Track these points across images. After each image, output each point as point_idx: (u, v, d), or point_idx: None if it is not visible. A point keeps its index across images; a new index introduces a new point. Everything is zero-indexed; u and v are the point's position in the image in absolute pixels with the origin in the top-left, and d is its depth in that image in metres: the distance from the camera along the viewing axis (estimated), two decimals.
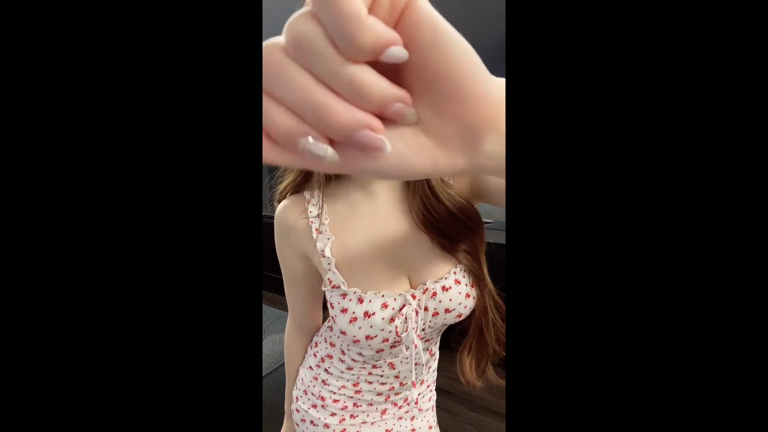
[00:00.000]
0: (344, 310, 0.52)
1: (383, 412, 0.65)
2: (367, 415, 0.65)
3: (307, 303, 0.65)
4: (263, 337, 2.37)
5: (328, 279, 0.53)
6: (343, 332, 0.53)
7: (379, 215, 0.54)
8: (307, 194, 0.57)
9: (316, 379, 0.66)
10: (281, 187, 0.59)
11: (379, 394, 0.64)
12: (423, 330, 0.55)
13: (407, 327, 0.52)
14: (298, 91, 0.15)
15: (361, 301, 0.52)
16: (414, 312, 0.52)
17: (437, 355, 0.67)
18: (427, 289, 0.53)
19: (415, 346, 0.51)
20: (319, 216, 0.54)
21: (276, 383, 1.96)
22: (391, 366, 0.60)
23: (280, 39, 0.15)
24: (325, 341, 0.66)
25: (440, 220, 0.51)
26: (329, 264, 0.52)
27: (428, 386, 0.68)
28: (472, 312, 0.56)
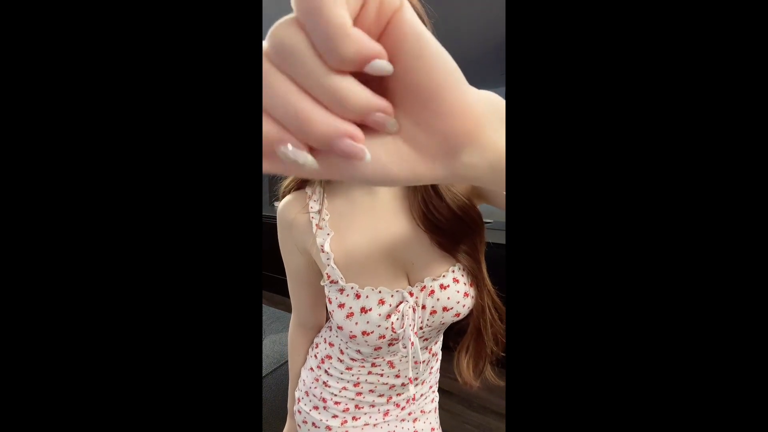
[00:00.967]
0: (341, 305, 0.53)
1: (386, 413, 0.65)
2: (370, 417, 0.65)
3: (309, 299, 0.66)
4: (263, 337, 2.37)
5: (327, 274, 0.54)
6: (339, 327, 0.53)
7: (379, 212, 0.55)
8: (309, 190, 0.57)
9: (317, 380, 0.66)
10: (285, 183, 0.60)
11: (380, 395, 0.64)
12: (421, 328, 0.55)
13: (404, 324, 0.52)
14: (280, 98, 0.15)
15: (358, 296, 0.52)
16: (411, 309, 0.52)
17: (439, 356, 0.67)
18: (424, 286, 0.53)
19: (412, 343, 0.52)
20: (319, 212, 0.55)
21: (276, 383, 1.96)
22: (391, 365, 0.60)
23: (263, 45, 0.15)
24: (325, 341, 0.66)
25: (441, 219, 0.52)
26: (328, 259, 0.53)
27: (430, 387, 0.68)
28: (471, 312, 0.56)
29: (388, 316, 0.52)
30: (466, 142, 0.18)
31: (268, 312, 2.74)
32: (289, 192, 0.60)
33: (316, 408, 0.65)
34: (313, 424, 0.65)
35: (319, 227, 0.54)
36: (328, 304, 0.55)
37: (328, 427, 0.64)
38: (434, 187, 0.52)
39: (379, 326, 0.52)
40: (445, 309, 0.54)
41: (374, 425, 0.65)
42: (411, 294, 0.53)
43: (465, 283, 0.54)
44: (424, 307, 0.54)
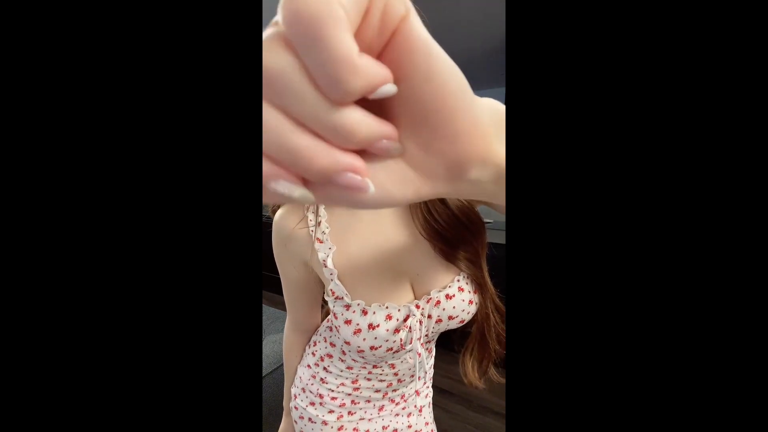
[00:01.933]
0: (348, 322, 0.52)
1: (381, 408, 0.66)
2: (365, 412, 0.65)
3: (306, 307, 0.65)
4: (263, 337, 2.37)
5: (331, 290, 0.53)
6: (347, 342, 0.53)
7: (380, 224, 0.54)
8: None
9: (314, 377, 0.66)
10: None
11: (377, 391, 0.64)
12: (426, 335, 0.55)
13: (411, 338, 0.51)
14: (272, 134, 0.13)
15: (365, 312, 0.51)
16: (418, 322, 0.52)
17: (434, 352, 0.68)
18: (431, 298, 0.53)
19: (419, 354, 0.51)
20: (319, 224, 0.53)
21: (276, 383, 1.96)
22: (392, 366, 0.61)
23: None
24: (325, 341, 0.66)
25: (443, 226, 0.51)
26: (332, 275, 0.52)
27: (425, 383, 0.69)
28: (474, 316, 0.55)
29: (396, 330, 0.52)
30: (475, 163, 0.16)
31: (268, 312, 2.75)
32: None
33: (312, 404, 0.66)
34: (310, 419, 0.66)
35: (319, 241, 0.53)
36: (333, 319, 0.55)
37: (324, 422, 0.64)
38: None
39: (386, 341, 0.52)
40: (450, 317, 0.54)
41: (369, 420, 0.65)
42: (418, 307, 0.52)
43: (469, 291, 0.54)
44: (429, 317, 0.53)
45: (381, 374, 0.61)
